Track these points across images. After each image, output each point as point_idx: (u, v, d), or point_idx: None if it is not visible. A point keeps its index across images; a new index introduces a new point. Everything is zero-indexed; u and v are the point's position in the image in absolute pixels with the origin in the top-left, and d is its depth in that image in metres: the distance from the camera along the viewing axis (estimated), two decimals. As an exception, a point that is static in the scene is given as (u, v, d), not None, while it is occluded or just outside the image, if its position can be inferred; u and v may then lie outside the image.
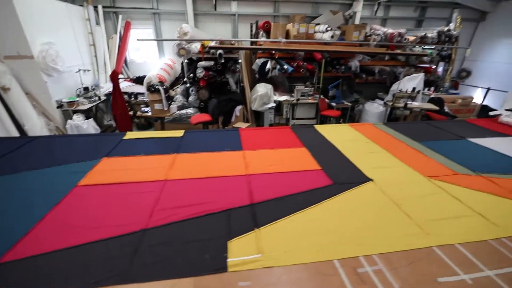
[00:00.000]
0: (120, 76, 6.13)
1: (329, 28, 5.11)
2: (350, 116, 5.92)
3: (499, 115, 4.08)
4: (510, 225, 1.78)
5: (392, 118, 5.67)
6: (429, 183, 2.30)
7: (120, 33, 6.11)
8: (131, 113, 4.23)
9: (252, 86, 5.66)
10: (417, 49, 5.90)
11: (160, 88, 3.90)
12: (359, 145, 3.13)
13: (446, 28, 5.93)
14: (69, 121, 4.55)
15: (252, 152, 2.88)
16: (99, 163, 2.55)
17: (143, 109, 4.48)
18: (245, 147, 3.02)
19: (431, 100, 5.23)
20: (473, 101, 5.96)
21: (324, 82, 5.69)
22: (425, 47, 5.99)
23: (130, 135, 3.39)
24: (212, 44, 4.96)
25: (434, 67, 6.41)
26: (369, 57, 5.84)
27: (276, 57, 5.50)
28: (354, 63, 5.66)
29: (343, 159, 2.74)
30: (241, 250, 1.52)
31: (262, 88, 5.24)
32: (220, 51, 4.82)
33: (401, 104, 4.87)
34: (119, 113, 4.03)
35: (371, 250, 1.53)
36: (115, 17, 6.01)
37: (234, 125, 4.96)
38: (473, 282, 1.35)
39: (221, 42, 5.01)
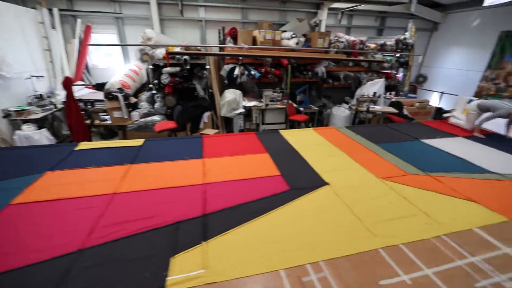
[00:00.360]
0: (80, 82, 5.81)
1: (294, 35, 5.23)
2: (318, 120, 6.08)
3: (449, 117, 4.39)
4: (449, 221, 1.87)
5: (358, 121, 5.91)
6: (381, 184, 2.38)
7: (80, 37, 5.78)
8: (88, 122, 3.96)
9: (221, 92, 5.61)
10: (378, 56, 6.24)
11: (119, 95, 3.70)
12: (320, 149, 3.19)
13: (402, 37, 6.36)
14: (17, 131, 4.16)
15: (212, 160, 2.81)
16: (41, 178, 2.33)
17: (103, 117, 4.22)
18: (206, 155, 2.94)
19: (391, 104, 5.52)
20: (429, 104, 6.40)
21: (292, 88, 5.81)
22: (385, 54, 6.36)
23: (83, 145, 3.17)
24: (177, 49, 4.85)
25: (394, 72, 6.81)
26: (334, 64, 6.07)
27: (244, 63, 5.51)
28: (321, 69, 5.84)
29: (303, 163, 2.76)
30: (184, 266, 1.44)
31: (230, 94, 5.21)
32: (185, 57, 4.73)
33: (364, 108, 5.08)
34: (74, 122, 3.76)
35: (319, 257, 1.52)
36: (73, 20, 5.68)
37: (202, 132, 4.85)
38: (412, 282, 1.38)
39: (187, 48, 4.92)
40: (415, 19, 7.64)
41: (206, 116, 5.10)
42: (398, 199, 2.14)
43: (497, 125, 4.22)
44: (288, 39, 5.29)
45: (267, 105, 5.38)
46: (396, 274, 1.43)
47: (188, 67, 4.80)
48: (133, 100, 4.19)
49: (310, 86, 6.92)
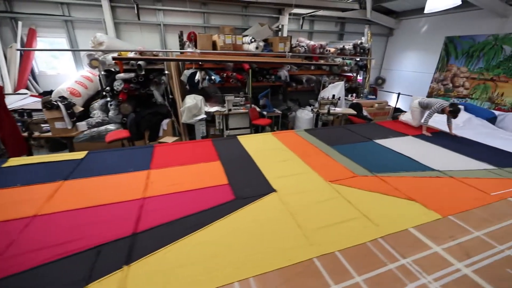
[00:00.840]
0: (24, 91, 5.29)
1: (253, 40, 5.22)
2: (284, 123, 6.11)
3: (399, 115, 4.66)
4: (387, 223, 1.89)
5: (322, 124, 6.03)
6: (329, 188, 2.37)
7: (22, 41, 5.29)
8: (25, 134, 3.57)
9: (184, 98, 5.41)
10: (338, 60, 6.45)
11: (60, 104, 3.38)
12: (275, 154, 3.15)
13: (359, 41, 6.65)
14: None
15: (158, 171, 2.64)
16: None
17: (45, 128, 3.84)
18: (154, 166, 2.76)
19: (351, 106, 5.71)
20: (388, 104, 6.73)
21: (258, 92, 5.79)
22: (344, 58, 6.59)
23: (14, 161, 2.83)
24: (131, 55, 4.60)
25: (354, 75, 7.10)
26: (296, 67, 6.16)
27: (205, 67, 5.39)
28: (283, 73, 5.88)
29: (254, 170, 2.69)
30: (95, 298, 1.27)
31: (191, 100, 5.05)
32: (140, 62, 4.49)
33: (325, 110, 5.19)
34: (7, 134, 3.36)
35: (249, 273, 1.43)
36: (14, 23, 5.19)
37: (160, 140, 4.62)
38: (341, 292, 1.34)
39: (141, 53, 4.69)
40: (372, 24, 8.07)
41: (165, 123, 4.88)
42: (341, 203, 2.14)
43: (443, 124, 4.52)
44: (248, 43, 5.27)
45: (230, 110, 5.29)
46: (327, 285, 1.38)
47: (143, 72, 4.56)
48: (78, 109, 3.86)
49: (276, 90, 6.98)
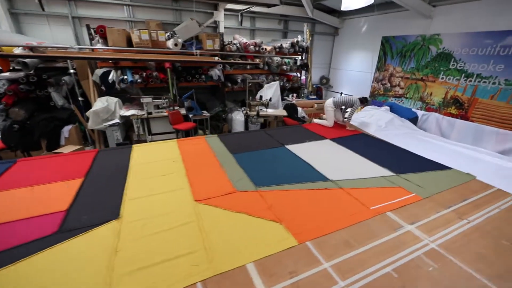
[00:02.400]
0: None
1: (170, 35, 4.75)
2: (217, 126, 5.73)
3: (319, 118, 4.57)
4: (226, 258, 1.58)
5: (260, 126, 5.75)
6: (190, 210, 2.03)
7: None
8: None
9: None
10: (277, 59, 6.20)
11: None
12: (160, 167, 2.75)
13: (295, 40, 6.46)
14: None
15: (-8, 196, 2.11)
16: None
17: None
18: (-5, 188, 2.23)
19: (286, 107, 5.48)
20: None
21: (184, 93, 5.34)
22: (283, 57, 6.36)
23: None
24: (18, 51, 3.93)
25: (296, 75, 6.91)
26: (230, 66, 5.80)
27: (121, 66, 4.83)
28: (215, 72, 5.50)
29: (116, 190, 2.27)
30: None
31: (101, 103, 4.47)
32: (26, 60, 3.84)
33: (254, 112, 4.88)
34: None
35: None
36: None
37: (59, 150, 4.02)
38: None
39: (34, 49, 4.02)
40: (317, 23, 7.97)
41: (67, 130, 4.27)
42: (191, 231, 1.79)
43: (367, 125, 4.44)
44: (167, 39, 4.80)
45: (150, 113, 4.79)
46: None
47: (31, 71, 3.91)
48: None
49: (213, 91, 6.59)
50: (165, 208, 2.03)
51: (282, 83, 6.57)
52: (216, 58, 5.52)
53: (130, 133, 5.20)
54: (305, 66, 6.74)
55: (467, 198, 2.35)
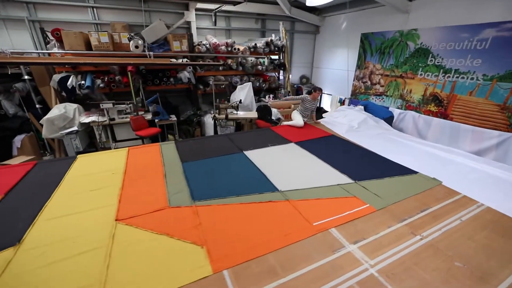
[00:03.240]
0: None
1: (130, 37, 4.51)
2: (187, 130, 5.48)
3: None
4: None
5: (236, 128, 5.51)
6: (105, 231, 1.77)
7: None
8: None
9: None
10: (251, 59, 5.96)
11: None
12: (95, 180, 2.49)
13: (269, 39, 6.22)
14: None
15: None
16: None
17: None
18: None
19: (258, 108, 5.23)
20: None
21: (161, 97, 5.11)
22: (258, 57, 6.13)
23: None
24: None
25: (274, 75, 6.67)
26: (200, 69, 5.56)
27: (81, 71, 4.57)
28: (184, 75, 5.25)
29: (32, 209, 2.01)
30: None
31: (57, 110, 4.22)
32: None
33: (222, 116, 4.64)
34: None
35: None
36: None
37: (6, 162, 3.76)
38: None
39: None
40: (296, 21, 7.74)
41: (19, 140, 4.01)
42: (92, 259, 1.55)
43: (339, 125, 4.21)
44: (127, 41, 4.55)
45: (112, 119, 4.53)
46: None
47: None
48: None
49: (190, 94, 6.35)
50: (76, 231, 1.78)
51: (258, 83, 6.33)
52: (185, 60, 5.28)
53: (95, 140, 4.95)
54: (282, 66, 6.50)
55: (427, 208, 2.11)
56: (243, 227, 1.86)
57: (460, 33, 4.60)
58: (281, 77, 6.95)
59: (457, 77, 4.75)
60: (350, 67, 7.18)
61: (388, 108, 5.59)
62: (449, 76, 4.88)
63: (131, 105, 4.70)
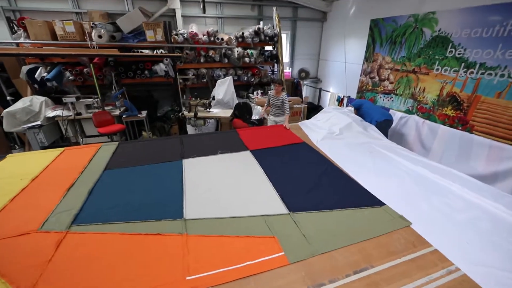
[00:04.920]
0: None
1: (93, 26, 4.19)
2: (162, 128, 5.13)
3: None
4: None
5: (216, 128, 5.04)
6: None
7: None
8: None
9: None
10: (238, 50, 5.37)
11: None
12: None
13: (257, 27, 5.52)
14: None
15: None
16: None
17: None
18: None
19: (236, 106, 4.67)
20: (308, 101, 5.65)
21: (132, 90, 4.82)
22: (245, 48, 5.51)
23: None
24: None
25: (268, 67, 6.01)
26: (180, 61, 5.11)
27: (51, 62, 4.40)
28: (160, 67, 4.87)
29: None
30: None
31: (21, 103, 4.10)
32: None
33: (191, 114, 4.19)
34: None
35: None
36: None
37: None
38: None
39: None
40: (300, 7, 6.89)
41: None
42: None
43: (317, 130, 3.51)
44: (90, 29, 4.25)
45: (79, 113, 4.32)
46: None
47: None
48: None
49: (174, 88, 5.97)
50: None
51: (246, 78, 5.73)
52: (160, 51, 4.88)
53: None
54: (274, 58, 5.81)
55: (367, 268, 1.45)
56: (103, 269, 1.40)
57: (490, 15, 3.55)
58: (275, 71, 6.25)
59: (483, 73, 3.71)
60: (358, 59, 6.22)
61: (389, 110, 4.67)
62: (472, 72, 3.84)
63: (98, 99, 4.45)
